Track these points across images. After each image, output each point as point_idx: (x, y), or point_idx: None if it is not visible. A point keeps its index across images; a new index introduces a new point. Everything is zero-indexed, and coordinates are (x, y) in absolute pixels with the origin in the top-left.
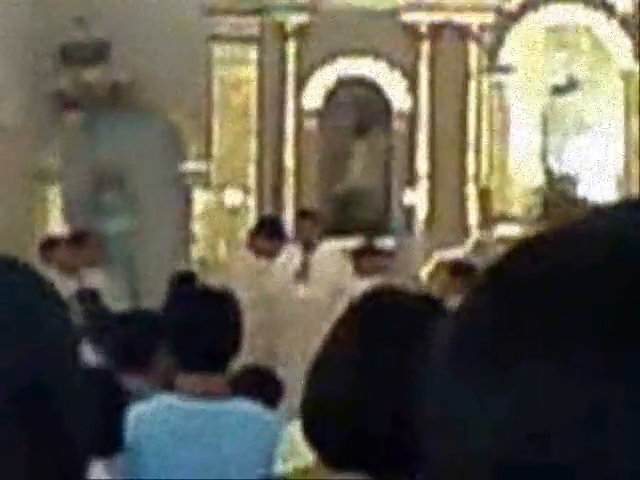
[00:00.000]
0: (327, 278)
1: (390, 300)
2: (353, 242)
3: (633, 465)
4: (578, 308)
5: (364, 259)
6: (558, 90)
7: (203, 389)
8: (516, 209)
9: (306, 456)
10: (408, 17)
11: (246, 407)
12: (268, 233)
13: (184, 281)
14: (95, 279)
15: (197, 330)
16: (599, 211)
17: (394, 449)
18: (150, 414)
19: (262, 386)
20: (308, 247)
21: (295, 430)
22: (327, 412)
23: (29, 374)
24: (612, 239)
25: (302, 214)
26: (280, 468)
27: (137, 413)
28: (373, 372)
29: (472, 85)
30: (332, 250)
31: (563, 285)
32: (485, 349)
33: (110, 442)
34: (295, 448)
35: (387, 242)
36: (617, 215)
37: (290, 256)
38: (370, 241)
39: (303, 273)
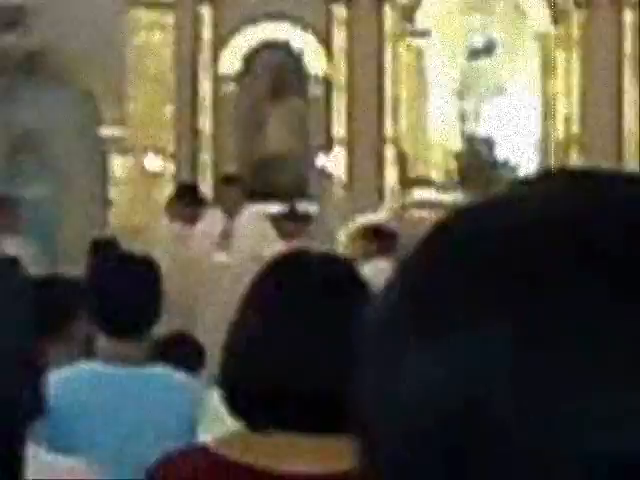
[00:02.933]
0: (249, 243)
1: (302, 261)
2: (274, 207)
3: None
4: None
5: (285, 223)
6: (475, 53)
7: (123, 355)
8: (435, 173)
9: (227, 422)
10: None
11: (167, 373)
12: (186, 199)
13: (104, 247)
14: (12, 246)
15: (117, 296)
16: (524, 181)
17: (316, 407)
18: (71, 380)
19: (184, 352)
20: (231, 213)
21: (215, 396)
22: (245, 376)
23: None
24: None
25: (225, 179)
26: (202, 436)
27: (58, 379)
28: (287, 332)
29: (388, 48)
30: (254, 215)
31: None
32: (419, 317)
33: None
34: (215, 414)
35: (306, 207)
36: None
37: (212, 222)
38: (292, 206)
39: (225, 239)
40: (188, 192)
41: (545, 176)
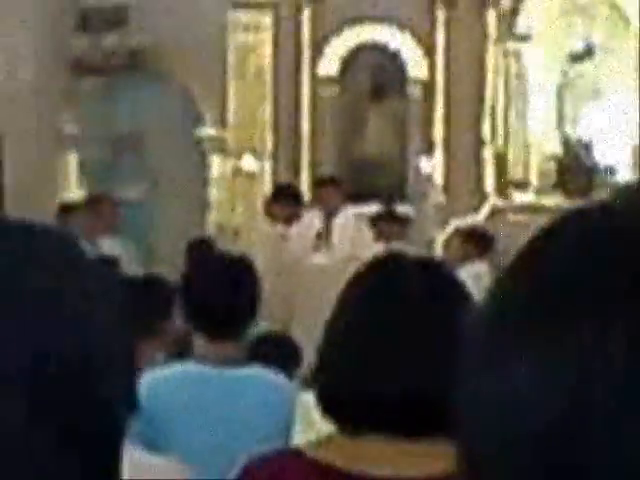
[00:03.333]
0: (346, 245)
1: (397, 264)
2: (371, 208)
3: None
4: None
5: (383, 225)
6: (575, 56)
7: (219, 355)
8: (532, 176)
9: (320, 424)
10: None
11: (263, 374)
12: (284, 200)
13: (201, 247)
14: (110, 246)
15: (214, 296)
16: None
17: (411, 410)
18: (166, 380)
19: (279, 352)
20: (328, 214)
21: (309, 399)
22: (339, 378)
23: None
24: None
25: (324, 181)
26: (296, 438)
27: (153, 379)
28: (382, 335)
29: (489, 51)
30: (351, 217)
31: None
32: (531, 320)
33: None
34: (309, 417)
35: (404, 209)
36: None
37: (309, 223)
38: (390, 207)
39: (322, 240)
40: (286, 192)
41: None
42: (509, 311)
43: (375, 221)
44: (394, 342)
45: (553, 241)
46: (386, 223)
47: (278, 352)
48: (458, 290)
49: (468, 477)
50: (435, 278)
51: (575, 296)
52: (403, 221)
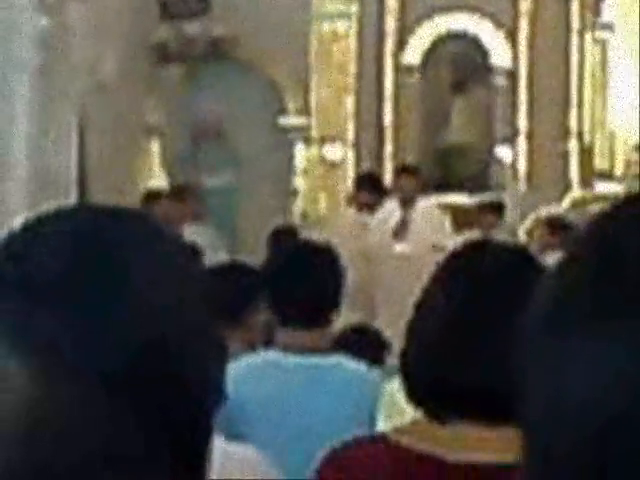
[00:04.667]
0: (426, 234)
1: (485, 253)
2: (453, 198)
3: None
4: None
5: (480, 214)
6: None
7: (304, 345)
8: (616, 166)
9: (406, 413)
10: None
11: (346, 363)
12: (367, 188)
13: (285, 235)
14: (196, 234)
15: (296, 284)
16: None
17: (494, 397)
18: (249, 369)
19: (366, 344)
20: (408, 203)
21: (395, 387)
22: (426, 365)
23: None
24: None
25: (403, 169)
26: (381, 426)
27: (237, 368)
28: (468, 322)
29: (573, 41)
30: (431, 206)
31: None
32: (594, 300)
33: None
34: (395, 405)
35: (485, 197)
36: None
37: (390, 211)
38: (494, 199)
39: (402, 229)
40: (368, 181)
41: None
42: (573, 301)
43: (471, 210)
44: (481, 330)
45: (619, 225)
46: (483, 213)
47: (363, 343)
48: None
49: (531, 468)
50: (524, 266)
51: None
52: (499, 210)
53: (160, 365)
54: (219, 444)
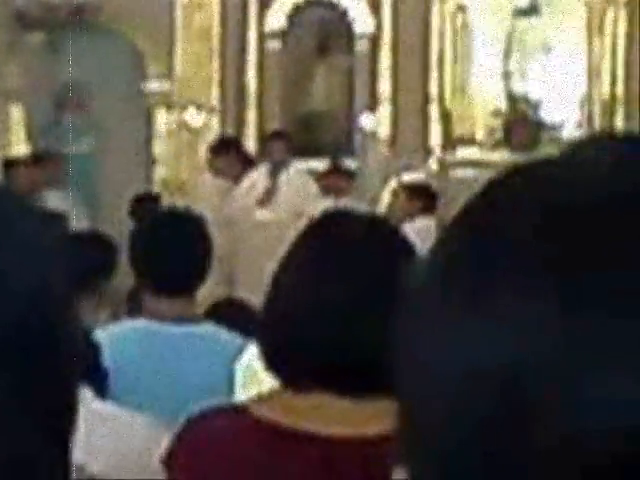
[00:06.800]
0: (292, 200)
1: (344, 220)
2: (317, 163)
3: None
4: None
5: (330, 179)
6: (520, 11)
7: (170, 313)
8: (478, 132)
9: (265, 383)
10: None
11: (211, 330)
12: (226, 152)
13: (146, 203)
14: (56, 201)
15: (163, 251)
16: (577, 148)
17: (357, 368)
18: (115, 337)
19: (237, 317)
20: (276, 169)
21: (253, 356)
22: (284, 334)
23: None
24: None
25: (272, 134)
26: (239, 396)
27: (101, 336)
28: (328, 292)
29: (434, 6)
30: (299, 171)
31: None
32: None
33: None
34: (253, 373)
35: (350, 164)
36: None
37: (256, 177)
38: (336, 162)
39: (269, 195)
40: (227, 145)
41: (596, 141)
42: (447, 274)
43: (322, 176)
44: (338, 299)
45: (499, 197)
46: (333, 178)
47: (233, 316)
48: (404, 247)
49: (406, 438)
50: (381, 235)
51: (515, 261)
52: (350, 176)
53: (28, 348)
54: (90, 401)
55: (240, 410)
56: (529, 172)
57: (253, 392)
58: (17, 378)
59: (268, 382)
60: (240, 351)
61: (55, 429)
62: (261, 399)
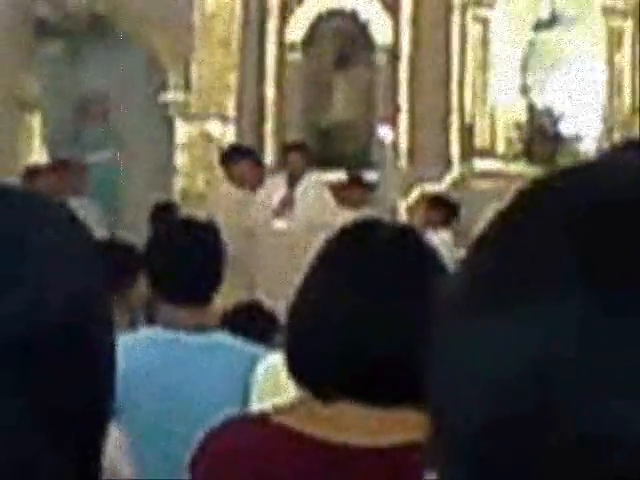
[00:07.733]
0: (309, 211)
1: (373, 229)
2: (336, 175)
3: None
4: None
5: (348, 191)
6: (541, 25)
7: (186, 322)
8: (498, 144)
9: (288, 391)
10: None
11: (228, 341)
12: (240, 160)
13: (165, 212)
14: (77, 208)
15: (179, 260)
16: (608, 154)
17: (382, 377)
18: (130, 345)
19: (255, 322)
20: (293, 180)
21: (273, 365)
22: (310, 342)
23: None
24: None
25: (291, 146)
26: (257, 405)
27: (121, 344)
28: (355, 300)
29: (455, 18)
30: (316, 183)
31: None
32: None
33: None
34: (277, 381)
35: (369, 175)
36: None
37: (274, 188)
38: (354, 173)
39: (286, 205)
40: (237, 153)
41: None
42: (478, 281)
43: (341, 188)
44: (368, 308)
45: (527, 210)
46: (351, 189)
47: (252, 321)
48: (433, 258)
49: (437, 441)
50: (412, 244)
51: (545, 267)
52: (368, 187)
53: (60, 356)
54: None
55: (263, 419)
56: (567, 175)
57: (274, 401)
58: (23, 378)
59: (291, 390)
60: (255, 361)
61: (63, 433)
62: (285, 408)
